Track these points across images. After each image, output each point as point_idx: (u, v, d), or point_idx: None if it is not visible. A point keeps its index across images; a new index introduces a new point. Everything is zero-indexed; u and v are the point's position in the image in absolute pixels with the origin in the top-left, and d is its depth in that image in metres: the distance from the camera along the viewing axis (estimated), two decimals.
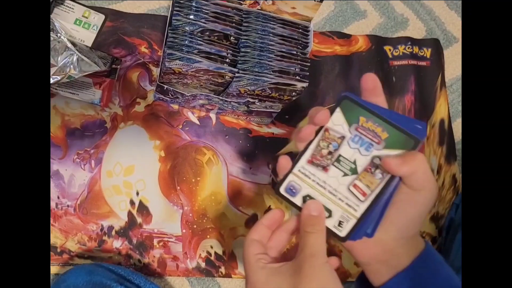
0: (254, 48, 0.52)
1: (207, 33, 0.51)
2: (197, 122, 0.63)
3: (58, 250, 0.56)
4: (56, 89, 0.59)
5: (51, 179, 0.58)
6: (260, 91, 0.53)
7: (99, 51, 0.60)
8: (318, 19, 0.71)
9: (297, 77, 0.52)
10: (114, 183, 0.59)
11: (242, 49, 0.51)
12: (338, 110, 0.33)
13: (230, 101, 0.57)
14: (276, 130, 0.65)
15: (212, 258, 0.59)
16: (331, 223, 0.33)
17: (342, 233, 0.33)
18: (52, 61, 0.53)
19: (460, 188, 0.66)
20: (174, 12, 0.51)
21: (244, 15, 0.53)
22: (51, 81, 0.53)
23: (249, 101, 0.56)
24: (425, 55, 0.71)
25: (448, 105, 0.70)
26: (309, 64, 0.53)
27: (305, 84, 0.52)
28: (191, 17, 0.51)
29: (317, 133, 0.34)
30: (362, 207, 0.32)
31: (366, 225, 0.32)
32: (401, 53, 0.71)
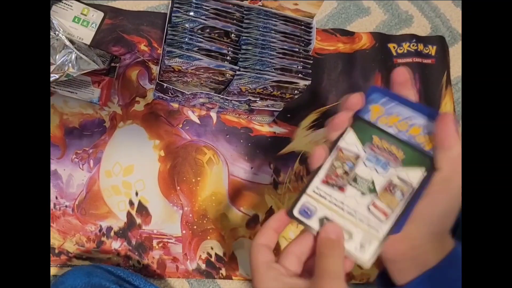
0: (255, 46, 0.50)
1: (208, 30, 0.50)
2: (198, 121, 0.62)
3: (56, 251, 0.55)
4: (54, 87, 0.58)
5: None
6: (261, 89, 0.52)
7: (98, 49, 0.59)
8: (320, 16, 0.70)
9: (299, 75, 0.51)
10: (113, 183, 0.58)
11: (243, 47, 0.50)
12: (350, 129, 0.32)
13: (231, 100, 0.56)
14: (278, 129, 0.64)
15: (213, 259, 0.58)
16: (352, 246, 0.31)
17: (365, 256, 0.31)
18: (50, 59, 0.52)
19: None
20: (174, 9, 0.50)
21: (245, 12, 0.52)
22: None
23: (251, 99, 0.55)
24: (430, 52, 0.70)
25: (454, 103, 0.69)
26: (311, 61, 0.52)
27: (307, 82, 0.51)
28: (191, 14, 0.50)
29: (330, 150, 0.33)
30: (384, 228, 0.31)
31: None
32: (405, 51, 0.70)
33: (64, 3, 0.63)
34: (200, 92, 0.56)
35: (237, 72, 0.49)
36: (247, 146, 0.63)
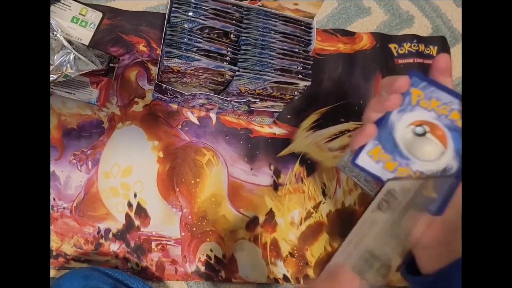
0: (255, 46, 0.50)
1: (207, 31, 0.50)
2: (197, 122, 0.62)
3: (54, 253, 0.55)
4: (52, 88, 0.58)
5: None
6: (261, 90, 0.51)
7: (97, 50, 0.59)
8: (321, 16, 0.69)
9: (299, 76, 0.51)
10: (111, 184, 0.58)
11: (243, 47, 0.50)
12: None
13: (231, 101, 0.56)
14: (278, 130, 0.63)
15: (212, 261, 0.58)
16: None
17: None
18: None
19: None
20: (173, 9, 0.49)
21: (244, 12, 0.51)
22: None
23: (250, 100, 0.55)
24: (431, 53, 0.70)
25: None
26: (311, 62, 0.51)
27: (307, 83, 0.51)
28: (190, 14, 0.49)
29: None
30: None
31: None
32: (406, 51, 0.69)
33: (63, 3, 0.62)
34: (199, 93, 0.55)
35: (237, 73, 0.49)
36: (247, 147, 0.62)
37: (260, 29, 0.51)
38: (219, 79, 0.52)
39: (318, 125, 0.64)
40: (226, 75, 0.50)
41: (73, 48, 0.53)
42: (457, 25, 0.73)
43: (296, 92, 0.52)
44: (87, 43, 0.61)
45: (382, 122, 0.32)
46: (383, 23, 0.71)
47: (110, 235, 0.56)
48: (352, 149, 0.34)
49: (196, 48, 0.48)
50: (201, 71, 0.50)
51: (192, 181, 0.60)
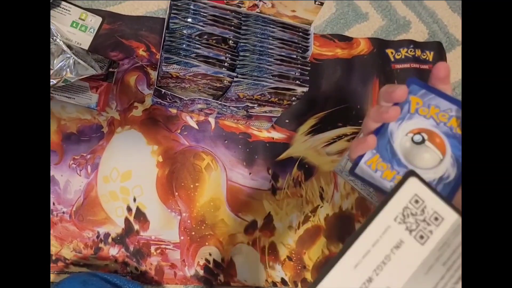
0: (253, 52, 0.50)
1: (205, 37, 0.50)
2: (196, 127, 0.62)
3: (53, 257, 0.55)
4: (52, 93, 0.58)
5: None
6: (259, 96, 0.52)
7: (96, 54, 0.59)
8: (319, 21, 0.70)
9: (297, 82, 0.51)
10: (110, 189, 0.58)
11: (241, 53, 0.50)
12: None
13: (229, 106, 0.56)
14: (276, 135, 0.64)
15: (211, 265, 0.58)
16: None
17: None
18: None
19: None
20: (172, 15, 0.50)
21: (243, 18, 0.52)
22: None
23: (248, 105, 0.55)
24: (427, 58, 0.70)
25: None
26: (309, 68, 0.52)
27: (305, 89, 0.51)
28: (189, 20, 0.50)
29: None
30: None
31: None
32: (403, 56, 0.70)
33: (62, 8, 0.63)
34: (198, 98, 0.56)
35: (235, 79, 0.49)
36: (246, 151, 0.62)
37: (258, 35, 0.51)
38: (218, 85, 0.52)
39: (316, 130, 0.65)
40: (225, 81, 0.51)
41: (73, 53, 0.54)
42: (453, 30, 0.73)
43: (293, 98, 0.52)
44: (86, 48, 0.62)
45: (380, 131, 0.32)
46: (380, 28, 0.72)
47: (110, 240, 0.56)
48: (350, 159, 0.34)
49: (194, 54, 0.49)
50: (199, 76, 0.51)
51: (191, 185, 0.60)
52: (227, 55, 0.50)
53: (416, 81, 0.32)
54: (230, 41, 0.51)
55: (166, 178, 0.60)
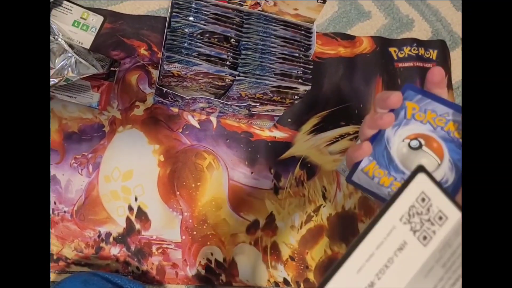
0: (255, 51, 0.50)
1: (207, 35, 0.50)
2: (198, 126, 0.62)
3: (55, 257, 0.55)
4: (53, 92, 0.58)
5: None
6: (261, 95, 0.52)
7: (98, 53, 0.59)
8: (321, 20, 0.70)
9: (299, 80, 0.51)
10: (112, 188, 0.58)
11: (243, 52, 0.50)
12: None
13: (231, 105, 0.56)
14: (279, 134, 0.64)
15: (213, 265, 0.58)
16: None
17: None
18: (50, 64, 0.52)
19: None
20: (173, 13, 0.49)
21: (245, 17, 0.52)
22: None
23: (251, 104, 0.55)
24: (431, 56, 0.70)
25: None
26: (311, 66, 0.52)
27: (307, 88, 0.51)
28: (191, 18, 0.50)
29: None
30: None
31: None
32: (406, 55, 0.69)
33: (64, 7, 0.63)
34: (200, 97, 0.56)
35: (237, 77, 0.49)
36: (248, 150, 0.62)
37: (260, 34, 0.51)
38: (220, 84, 0.52)
39: (318, 129, 0.65)
40: (227, 80, 0.50)
41: (74, 52, 0.53)
42: (457, 28, 0.73)
43: (296, 97, 0.52)
44: (88, 47, 0.61)
45: (377, 138, 0.32)
46: (383, 26, 0.71)
47: (111, 239, 0.56)
48: (347, 166, 0.34)
49: (196, 53, 0.49)
50: (201, 75, 0.50)
51: (193, 185, 0.60)
52: (229, 53, 0.49)
53: (412, 87, 0.32)
54: (232, 40, 0.50)
55: (167, 177, 0.59)
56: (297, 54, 0.52)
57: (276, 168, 0.62)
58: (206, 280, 0.57)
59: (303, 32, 0.53)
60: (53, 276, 0.54)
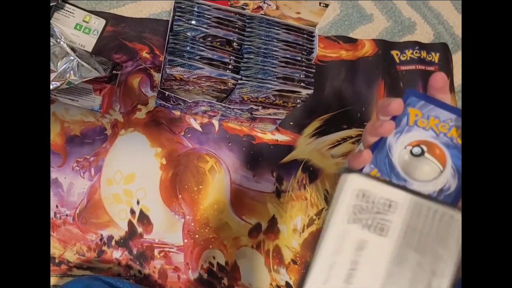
0: (257, 54, 0.50)
1: (209, 39, 0.50)
2: (200, 129, 0.62)
3: (57, 260, 0.55)
4: (55, 95, 0.58)
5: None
6: (263, 98, 0.52)
7: (100, 57, 0.59)
8: (323, 23, 0.70)
9: (302, 84, 0.51)
10: (114, 191, 0.58)
11: (245, 55, 0.50)
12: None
13: (233, 108, 0.56)
14: (281, 137, 0.64)
15: (215, 269, 0.58)
16: None
17: None
18: (51, 66, 0.52)
19: None
20: (175, 17, 0.49)
21: (247, 20, 0.52)
22: (50, 87, 0.52)
23: (253, 108, 0.55)
24: (433, 60, 0.70)
25: None
26: (314, 70, 0.51)
27: (310, 91, 0.51)
28: (193, 22, 0.50)
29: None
30: None
31: None
32: (408, 58, 0.69)
33: (66, 10, 0.63)
34: (202, 100, 0.55)
35: (239, 81, 0.49)
36: (250, 154, 0.62)
37: (262, 38, 0.51)
38: (222, 87, 0.52)
39: (320, 132, 0.65)
40: (229, 83, 0.50)
41: (76, 55, 0.53)
42: (459, 31, 0.73)
43: (298, 100, 0.52)
44: (90, 50, 0.61)
45: (378, 145, 0.32)
46: (385, 29, 0.71)
47: (113, 242, 0.56)
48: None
49: (198, 57, 0.49)
50: (203, 79, 0.50)
51: (195, 188, 0.60)
52: (231, 57, 0.49)
53: (415, 93, 0.32)
54: (234, 43, 0.50)
55: (169, 180, 0.59)
56: (299, 58, 0.52)
57: (278, 171, 0.62)
58: (208, 284, 0.57)
59: (305, 35, 0.53)
60: (55, 280, 0.54)
